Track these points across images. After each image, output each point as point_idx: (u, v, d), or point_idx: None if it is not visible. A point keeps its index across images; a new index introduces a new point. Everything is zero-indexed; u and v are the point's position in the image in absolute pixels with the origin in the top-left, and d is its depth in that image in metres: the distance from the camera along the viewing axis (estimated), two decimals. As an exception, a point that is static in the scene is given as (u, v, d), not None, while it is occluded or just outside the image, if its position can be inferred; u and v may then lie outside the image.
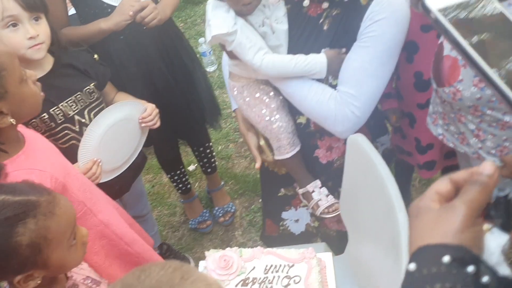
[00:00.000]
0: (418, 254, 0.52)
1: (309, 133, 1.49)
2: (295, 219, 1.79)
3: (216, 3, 1.32)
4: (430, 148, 1.72)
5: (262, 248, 1.48)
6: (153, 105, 1.70)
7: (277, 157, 1.54)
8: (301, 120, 1.47)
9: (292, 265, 1.41)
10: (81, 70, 1.63)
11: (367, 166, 1.24)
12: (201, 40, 3.70)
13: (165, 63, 2.00)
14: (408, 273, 0.52)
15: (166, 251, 2.41)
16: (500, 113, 1.27)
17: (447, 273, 0.48)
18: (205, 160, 2.48)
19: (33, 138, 1.31)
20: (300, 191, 1.64)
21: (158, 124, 1.70)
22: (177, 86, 2.05)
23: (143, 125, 1.67)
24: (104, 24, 1.74)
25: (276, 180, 1.71)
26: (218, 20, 1.30)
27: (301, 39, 1.37)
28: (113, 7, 1.75)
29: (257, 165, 1.55)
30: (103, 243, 1.39)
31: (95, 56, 1.71)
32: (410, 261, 0.52)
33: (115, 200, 1.91)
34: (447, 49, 1.34)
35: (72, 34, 1.80)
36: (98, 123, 1.56)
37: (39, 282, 0.97)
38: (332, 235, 1.74)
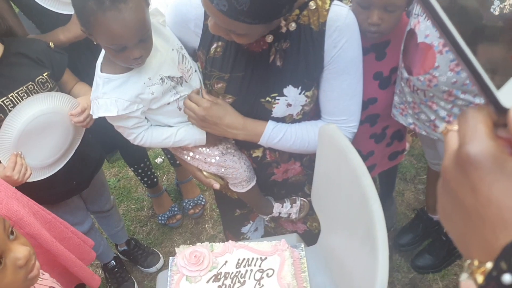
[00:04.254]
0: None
1: (265, 163, 1.47)
2: (254, 229, 1.82)
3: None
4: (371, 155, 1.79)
5: (234, 242, 1.45)
6: (87, 103, 1.56)
7: (233, 189, 1.52)
8: (257, 153, 1.44)
9: (265, 258, 1.39)
10: (33, 59, 1.54)
11: (339, 156, 1.22)
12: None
13: None
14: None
15: (134, 247, 2.35)
16: (471, 96, 1.28)
17: None
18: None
19: None
20: (265, 217, 1.68)
21: (91, 124, 1.58)
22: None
23: (72, 122, 1.55)
24: (64, 36, 1.67)
25: (231, 202, 1.70)
26: (109, 101, 1.23)
27: (254, 80, 1.26)
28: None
29: (217, 186, 1.49)
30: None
31: (50, 43, 1.61)
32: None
33: (74, 196, 1.85)
34: (421, 36, 1.32)
35: None
36: (17, 114, 1.45)
37: None
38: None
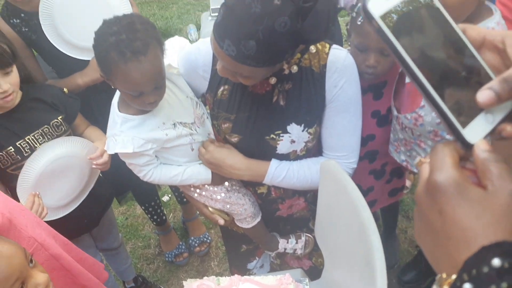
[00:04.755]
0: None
1: (270, 200, 1.54)
2: (260, 265, 1.86)
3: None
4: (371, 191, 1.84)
5: (240, 276, 1.49)
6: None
7: (239, 225, 1.59)
8: (262, 190, 1.51)
9: (270, 292, 1.42)
10: (48, 103, 1.64)
11: (339, 190, 1.28)
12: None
13: None
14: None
15: (142, 284, 2.38)
16: None
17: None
18: (181, 190, 2.48)
19: None
20: (271, 253, 1.73)
21: (108, 167, 1.66)
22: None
23: (92, 166, 1.64)
24: (81, 80, 1.78)
25: (237, 238, 1.76)
26: (126, 138, 1.32)
27: (258, 119, 1.33)
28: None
29: (221, 222, 1.56)
30: (53, 276, 1.38)
31: (64, 89, 1.72)
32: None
33: (85, 233, 1.91)
34: None
35: None
36: (38, 157, 1.55)
37: None
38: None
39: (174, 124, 1.35)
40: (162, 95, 1.29)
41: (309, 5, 0.97)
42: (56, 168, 1.58)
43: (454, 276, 0.43)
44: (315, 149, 1.42)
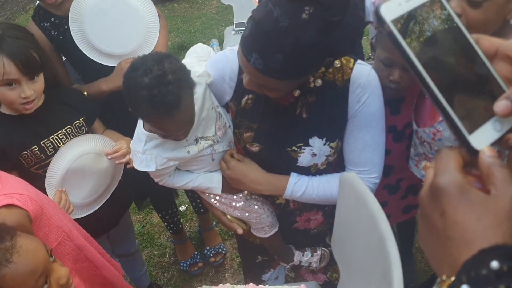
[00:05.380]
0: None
1: (288, 211, 1.55)
2: (275, 277, 1.86)
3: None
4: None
5: (255, 285, 1.50)
6: (126, 143, 1.71)
7: (256, 234, 1.60)
8: (281, 201, 1.52)
9: (285, 302, 1.42)
10: (71, 105, 1.71)
11: (358, 203, 1.29)
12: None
13: None
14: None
15: (156, 292, 2.39)
16: None
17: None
18: (198, 200, 2.50)
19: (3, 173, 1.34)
20: (286, 266, 1.73)
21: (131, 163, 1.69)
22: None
23: (115, 162, 1.70)
24: (106, 86, 1.84)
25: (253, 248, 1.76)
26: (149, 157, 1.35)
27: (280, 130, 1.35)
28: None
29: (240, 231, 1.57)
30: (77, 267, 1.42)
31: (85, 92, 1.79)
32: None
33: (102, 235, 1.95)
34: None
35: None
36: (64, 153, 1.61)
37: None
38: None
39: (196, 139, 1.38)
40: (188, 133, 1.33)
41: (337, 19, 0.98)
42: (81, 164, 1.63)
43: (453, 278, 0.44)
44: (336, 163, 1.43)
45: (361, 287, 1.37)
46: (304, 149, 1.35)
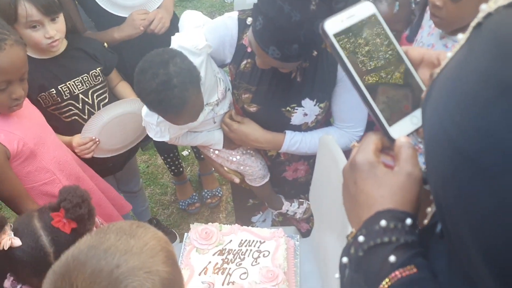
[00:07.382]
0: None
1: (279, 162, 1.73)
2: (263, 219, 2.08)
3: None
4: None
5: (239, 226, 1.71)
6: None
7: (249, 183, 1.79)
8: (272, 153, 1.70)
9: (263, 242, 1.63)
10: (90, 55, 1.81)
11: (333, 163, 1.46)
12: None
13: None
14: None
15: (155, 226, 2.62)
16: None
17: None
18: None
19: (23, 106, 1.49)
20: (274, 212, 1.92)
21: None
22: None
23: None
24: (118, 34, 1.94)
25: (245, 193, 1.96)
26: (163, 128, 1.50)
27: (277, 92, 1.49)
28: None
29: (236, 180, 1.77)
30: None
31: (105, 44, 1.90)
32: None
33: (109, 175, 2.12)
34: None
35: None
36: (108, 110, 1.76)
37: None
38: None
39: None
40: (199, 116, 1.47)
41: (340, 5, 1.10)
42: (120, 121, 1.80)
43: (355, 231, 0.59)
44: (323, 121, 1.60)
45: (330, 238, 1.56)
46: (297, 109, 1.50)
